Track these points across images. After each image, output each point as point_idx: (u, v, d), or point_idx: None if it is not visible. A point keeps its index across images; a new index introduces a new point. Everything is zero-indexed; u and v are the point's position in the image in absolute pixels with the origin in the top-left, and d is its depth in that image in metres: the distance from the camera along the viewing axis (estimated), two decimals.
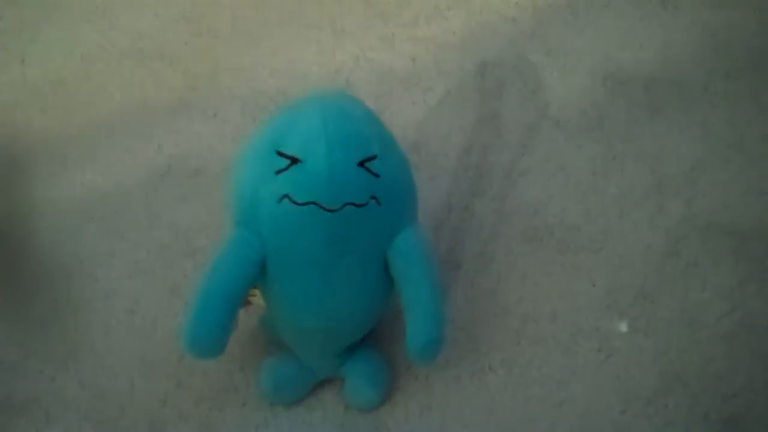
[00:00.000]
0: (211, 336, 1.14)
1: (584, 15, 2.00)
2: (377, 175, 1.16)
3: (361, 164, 1.15)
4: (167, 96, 1.85)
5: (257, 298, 1.34)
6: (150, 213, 1.60)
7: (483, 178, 1.64)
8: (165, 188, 1.65)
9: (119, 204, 1.62)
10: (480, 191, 1.62)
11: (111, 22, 2.04)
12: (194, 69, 1.93)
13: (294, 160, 1.13)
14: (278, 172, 1.14)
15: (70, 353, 1.39)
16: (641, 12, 2.01)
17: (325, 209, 1.13)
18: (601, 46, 1.92)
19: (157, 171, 1.68)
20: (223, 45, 1.99)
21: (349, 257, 1.18)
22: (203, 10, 2.07)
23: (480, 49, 1.94)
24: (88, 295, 1.47)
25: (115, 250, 1.54)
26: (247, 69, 1.92)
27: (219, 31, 2.02)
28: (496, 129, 1.74)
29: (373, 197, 1.16)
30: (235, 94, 1.86)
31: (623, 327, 1.39)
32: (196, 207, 1.61)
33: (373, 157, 1.16)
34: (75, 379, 1.36)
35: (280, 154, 1.15)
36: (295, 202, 1.13)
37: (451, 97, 1.83)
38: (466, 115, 1.78)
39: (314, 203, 1.13)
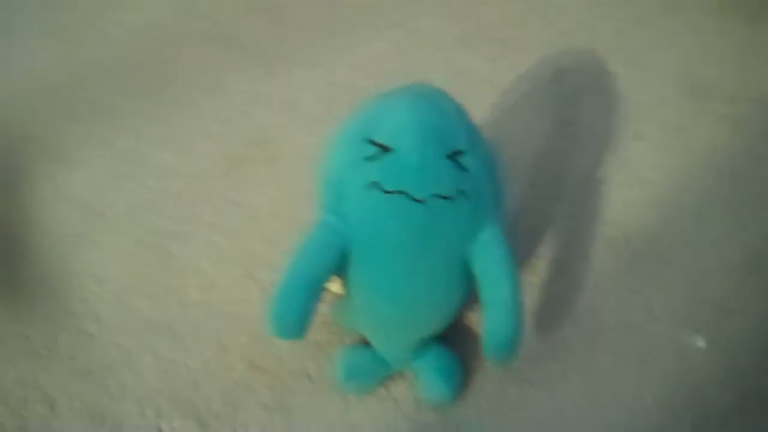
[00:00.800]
0: (294, 318, 1.15)
1: (663, 29, 2.00)
2: (465, 169, 1.16)
3: (450, 157, 1.15)
4: (245, 82, 1.87)
5: (335, 285, 1.34)
6: (226, 197, 1.61)
7: (559, 184, 1.64)
8: (241, 173, 1.66)
9: (196, 186, 1.64)
10: (557, 196, 1.61)
11: (190, 7, 2.07)
12: (271, 58, 1.94)
13: (384, 149, 1.14)
14: (368, 159, 1.14)
15: (146, 328, 1.40)
16: (721, 29, 2.00)
17: (413, 199, 1.13)
18: (680, 61, 1.91)
19: (235, 156, 1.69)
20: (302, 37, 2.01)
21: (432, 249, 1.18)
22: (282, 2, 2.09)
23: (557, 56, 1.93)
24: (165, 271, 1.48)
25: (192, 230, 1.55)
26: (323, 62, 1.93)
27: (297, 23, 2.04)
28: (573, 136, 1.74)
29: (460, 191, 1.16)
30: (312, 85, 1.87)
31: (700, 342, 1.38)
32: (271, 193, 1.62)
33: (462, 152, 1.16)
34: (150, 353, 1.37)
35: (371, 142, 1.15)
36: (383, 190, 1.13)
37: (527, 101, 1.82)
38: (542, 120, 1.78)
39: (403, 192, 1.13)
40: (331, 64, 1.92)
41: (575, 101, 1.82)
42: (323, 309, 1.37)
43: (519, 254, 1.47)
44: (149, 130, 1.74)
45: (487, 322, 1.20)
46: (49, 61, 1.93)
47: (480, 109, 1.76)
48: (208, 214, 1.58)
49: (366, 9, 2.08)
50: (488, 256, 1.21)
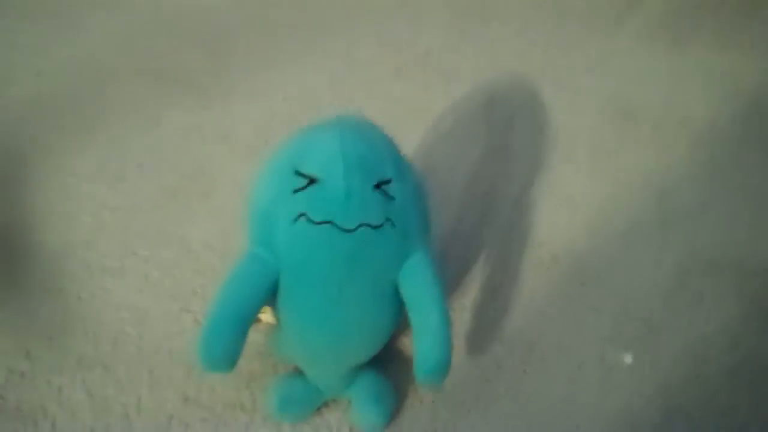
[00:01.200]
0: (223, 351, 1.15)
1: (594, 55, 2.04)
2: (392, 198, 1.18)
3: (378, 186, 1.17)
4: (181, 115, 1.87)
5: (267, 316, 1.35)
6: (161, 230, 1.61)
7: (490, 208, 1.66)
8: (176, 206, 1.67)
9: (130, 219, 1.64)
10: (487, 220, 1.64)
11: (127, 41, 2.07)
12: (208, 90, 1.95)
13: (312, 180, 1.15)
14: (296, 191, 1.16)
15: (78, 364, 1.39)
16: (650, 52, 2.05)
17: (341, 229, 1.15)
18: (610, 85, 1.95)
19: (169, 189, 1.70)
20: (237, 68, 2.02)
21: (361, 278, 1.19)
22: (218, 34, 2.10)
23: (490, 83, 1.97)
24: (99, 306, 1.48)
25: (125, 264, 1.55)
26: (260, 93, 1.94)
27: (233, 54, 2.06)
28: (505, 160, 1.77)
29: (387, 219, 1.18)
30: (247, 116, 1.88)
31: (628, 359, 1.40)
32: (206, 226, 1.63)
33: (389, 181, 1.18)
34: (83, 390, 1.36)
35: (298, 173, 1.16)
36: (311, 221, 1.15)
37: (460, 127, 1.85)
38: (475, 145, 1.81)
39: (331, 222, 1.14)
40: (268, 95, 1.94)
41: (507, 127, 1.85)
42: (257, 339, 1.38)
43: (450, 277, 1.50)
44: (82, 165, 1.74)
45: (417, 347, 1.22)
46: None
47: (414, 136, 1.80)
48: (142, 248, 1.58)
49: (303, 40, 2.10)
50: (416, 282, 1.23)
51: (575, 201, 1.66)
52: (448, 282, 1.50)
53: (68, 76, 1.99)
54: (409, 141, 1.77)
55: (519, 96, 1.93)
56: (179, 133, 1.83)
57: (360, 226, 1.15)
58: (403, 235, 1.21)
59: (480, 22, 2.13)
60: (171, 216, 1.64)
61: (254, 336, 1.31)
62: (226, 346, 1.15)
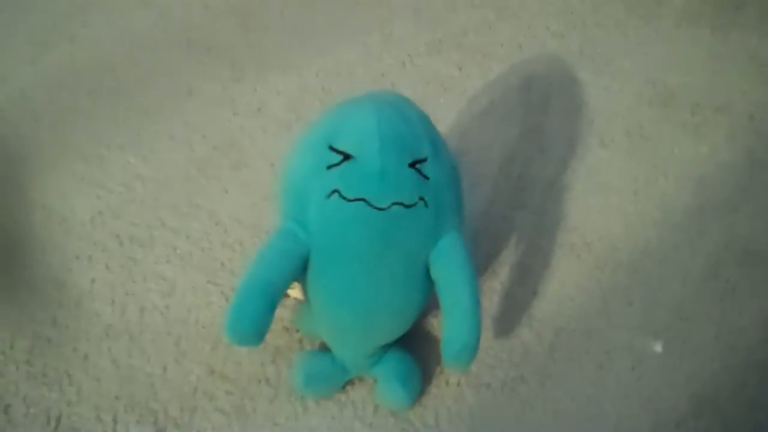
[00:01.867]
0: (251, 325, 1.15)
1: (633, 37, 2.00)
2: (427, 177, 1.17)
3: (412, 165, 1.15)
4: (213, 87, 1.87)
5: (295, 291, 1.34)
6: (190, 202, 1.61)
7: (524, 191, 1.64)
8: (206, 178, 1.66)
9: (160, 190, 1.63)
10: (520, 203, 1.62)
11: (161, 10, 2.06)
12: (241, 62, 1.94)
13: (346, 156, 1.14)
14: (330, 167, 1.15)
15: (104, 333, 1.40)
16: (690, 37, 2.01)
17: (373, 207, 1.14)
18: (648, 68, 1.92)
19: (200, 160, 1.69)
20: (271, 41, 2.00)
21: (392, 256, 1.18)
22: (253, 5, 2.09)
23: (526, 63, 1.94)
24: (126, 276, 1.48)
25: (154, 234, 1.55)
26: (293, 66, 1.93)
27: (267, 26, 2.04)
28: (539, 143, 1.74)
29: (421, 199, 1.16)
30: (280, 89, 1.87)
31: (658, 347, 1.39)
32: (235, 199, 1.62)
33: (424, 160, 1.17)
34: (108, 358, 1.37)
35: (332, 149, 1.15)
36: (344, 198, 1.14)
37: (495, 107, 1.83)
38: (509, 126, 1.79)
39: (363, 200, 1.13)
40: (301, 69, 1.92)
41: (543, 108, 1.83)
42: (284, 314, 1.38)
43: (481, 260, 1.49)
44: (115, 134, 1.74)
45: (446, 328, 1.21)
46: (17, 63, 1.92)
47: (448, 115, 1.78)
48: (172, 220, 1.57)
49: (338, 14, 2.08)
50: (447, 263, 1.22)
51: (610, 186, 1.64)
52: (479, 264, 1.49)
53: (102, 44, 1.98)
54: (443, 120, 1.76)
55: (556, 77, 1.90)
56: (211, 105, 1.82)
57: (393, 204, 1.14)
58: (436, 215, 1.19)
59: (518, 0, 2.09)
60: (201, 188, 1.64)
61: (281, 311, 1.31)
62: (255, 319, 1.15)
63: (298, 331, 1.39)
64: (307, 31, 2.03)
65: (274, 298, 1.17)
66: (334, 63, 1.94)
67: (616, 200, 1.62)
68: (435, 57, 1.96)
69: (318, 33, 2.02)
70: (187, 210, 1.59)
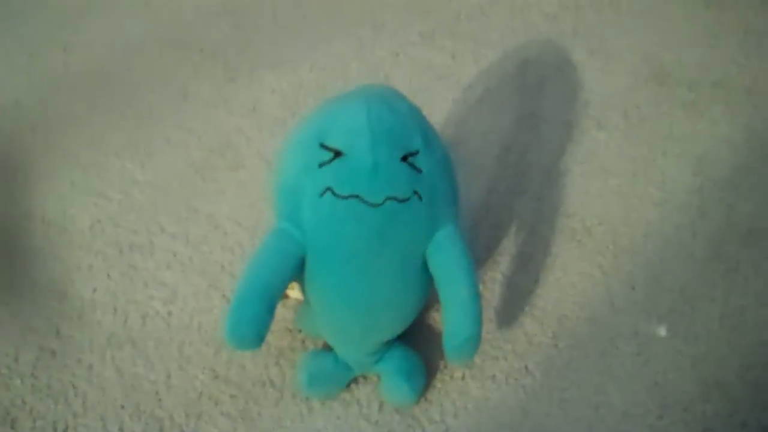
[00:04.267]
0: (250, 328, 1.15)
1: (627, 15, 1.99)
2: (420, 170, 1.16)
3: (404, 159, 1.15)
4: (207, 88, 1.86)
5: (295, 292, 1.34)
6: (188, 205, 1.61)
7: (522, 178, 1.64)
8: (204, 182, 1.66)
9: (158, 195, 1.63)
10: (519, 190, 1.61)
11: (153, 13, 2.06)
12: (234, 62, 1.94)
13: (337, 153, 1.13)
14: (321, 164, 1.14)
15: (108, 342, 1.40)
16: (684, 12, 1.99)
17: (367, 203, 1.13)
18: (643, 47, 1.91)
19: (196, 163, 1.69)
20: (263, 39, 2.00)
21: (389, 252, 1.18)
22: (244, 4, 2.08)
23: (520, 48, 1.93)
24: (127, 284, 1.48)
25: (154, 240, 1.55)
26: (286, 63, 1.92)
27: (259, 24, 2.04)
28: (536, 128, 1.74)
29: (415, 192, 1.16)
30: (274, 87, 1.86)
31: (662, 331, 1.38)
32: (234, 200, 1.62)
33: (416, 152, 1.16)
34: (113, 367, 1.37)
35: (323, 146, 1.14)
36: (337, 195, 1.13)
37: (490, 95, 1.82)
38: (505, 113, 1.78)
39: (357, 197, 1.13)
40: (295, 65, 1.92)
41: (538, 93, 1.82)
42: (286, 315, 1.38)
43: (481, 250, 1.48)
44: (111, 140, 1.74)
45: (446, 322, 1.21)
46: (10, 73, 1.92)
47: (443, 104, 1.77)
48: (171, 225, 1.57)
49: (329, 8, 2.08)
50: (444, 256, 1.21)
51: (608, 169, 1.63)
52: (479, 254, 1.48)
53: (96, 50, 1.98)
54: (438, 109, 1.75)
55: (550, 61, 1.89)
56: (206, 106, 1.82)
57: (387, 199, 1.13)
58: (431, 208, 1.18)
59: None
60: (199, 192, 1.63)
61: (283, 312, 1.31)
62: (254, 323, 1.15)
63: (300, 331, 1.39)
64: (298, 28, 2.02)
65: (272, 299, 1.16)
66: (327, 58, 1.93)
67: (616, 183, 1.61)
68: (428, 46, 1.96)
69: (310, 28, 2.01)
70: (186, 214, 1.59)
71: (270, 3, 2.08)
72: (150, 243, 1.55)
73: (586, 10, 2.01)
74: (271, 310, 1.16)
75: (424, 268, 1.21)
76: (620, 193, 1.59)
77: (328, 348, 1.32)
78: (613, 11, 2.00)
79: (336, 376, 1.31)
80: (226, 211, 1.59)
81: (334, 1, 2.09)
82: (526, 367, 1.35)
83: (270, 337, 1.16)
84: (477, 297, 1.20)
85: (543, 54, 1.91)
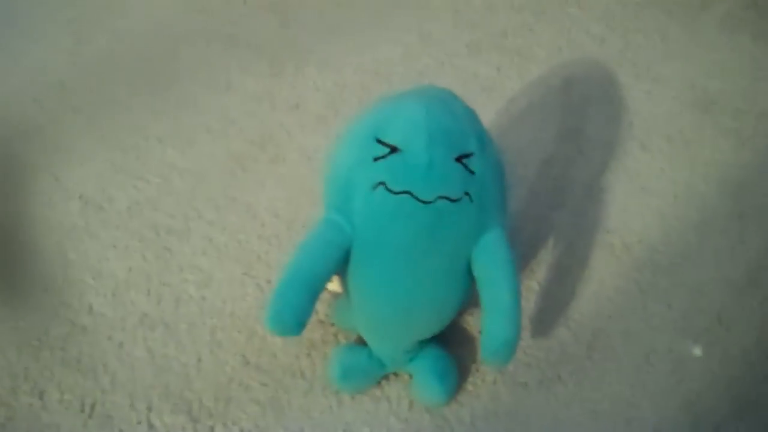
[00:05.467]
0: (292, 315, 1.14)
1: (674, 42, 1.99)
2: (473, 172, 1.15)
3: (459, 160, 1.14)
4: (251, 82, 1.87)
5: (333, 284, 1.34)
6: (227, 194, 1.61)
7: (562, 192, 1.63)
8: (243, 172, 1.66)
9: (197, 182, 1.63)
10: (558, 204, 1.60)
11: (201, 5, 2.07)
12: (280, 58, 1.94)
13: (393, 149, 1.13)
14: (376, 159, 1.14)
15: (140, 322, 1.40)
16: (731, 44, 1.99)
17: (419, 200, 1.12)
18: (689, 74, 1.90)
19: (237, 154, 1.69)
20: (310, 38, 2.01)
21: (435, 251, 1.17)
22: (292, 3, 2.09)
23: (566, 66, 1.93)
24: (162, 267, 1.48)
25: (191, 226, 1.55)
26: (331, 63, 1.93)
27: (306, 24, 2.04)
28: (578, 145, 1.73)
29: (466, 193, 1.15)
30: (318, 86, 1.87)
31: (698, 351, 1.37)
32: (272, 192, 1.62)
33: (471, 154, 1.15)
34: (144, 347, 1.36)
35: (380, 141, 1.14)
36: (390, 190, 1.13)
37: (534, 109, 1.82)
38: (548, 128, 1.77)
39: (409, 193, 1.12)
40: (339, 65, 1.92)
41: (582, 111, 1.82)
42: (319, 307, 1.37)
43: (520, 259, 1.47)
44: (153, 126, 1.74)
45: (485, 325, 1.20)
46: (56, 54, 1.94)
47: (486, 115, 1.75)
48: (209, 212, 1.57)
49: (377, 12, 2.08)
50: (490, 259, 1.20)
51: (649, 189, 1.62)
52: (517, 263, 1.47)
53: (142, 37, 1.99)
54: (481, 119, 1.74)
55: (595, 81, 1.89)
56: (249, 99, 1.82)
57: (438, 198, 1.13)
58: (481, 211, 1.18)
59: (558, 4, 2.08)
60: (238, 182, 1.64)
61: (316, 304, 1.30)
62: (297, 309, 1.14)
63: (333, 324, 1.38)
64: (345, 30, 2.03)
65: (316, 288, 1.16)
66: (372, 61, 1.94)
67: (656, 203, 1.60)
68: (474, 58, 1.96)
69: (356, 32, 2.02)
70: (224, 203, 1.59)
71: (317, 4, 2.09)
72: (187, 228, 1.55)
73: (634, 35, 2.00)
74: (313, 299, 1.16)
75: (468, 270, 1.21)
76: (660, 214, 1.58)
77: (361, 342, 1.31)
78: (660, 38, 2.00)
79: (369, 372, 1.31)
80: (264, 203, 1.59)
81: (381, 8, 2.10)
82: (559, 376, 1.34)
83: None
84: (518, 302, 1.19)
85: (588, 73, 1.91)
